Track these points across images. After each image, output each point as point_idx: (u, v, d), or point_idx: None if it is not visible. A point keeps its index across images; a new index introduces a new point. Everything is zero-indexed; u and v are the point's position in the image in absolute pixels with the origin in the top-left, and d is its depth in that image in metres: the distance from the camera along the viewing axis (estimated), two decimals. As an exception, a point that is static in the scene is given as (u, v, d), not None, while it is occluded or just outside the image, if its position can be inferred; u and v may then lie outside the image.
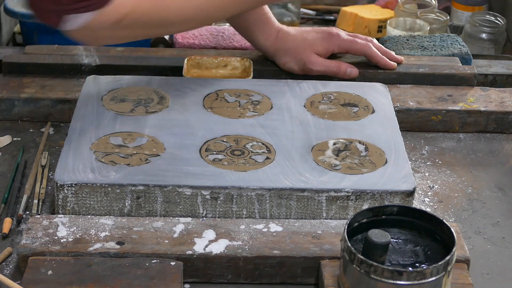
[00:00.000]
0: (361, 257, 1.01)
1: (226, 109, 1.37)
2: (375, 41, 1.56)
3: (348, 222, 1.05)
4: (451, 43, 1.63)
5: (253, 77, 1.51)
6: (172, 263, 1.09)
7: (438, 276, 1.01)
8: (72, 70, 1.52)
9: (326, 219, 1.20)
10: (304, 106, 1.39)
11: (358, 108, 1.39)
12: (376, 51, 1.53)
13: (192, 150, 1.25)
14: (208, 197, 1.18)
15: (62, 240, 1.12)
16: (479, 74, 1.58)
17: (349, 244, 1.03)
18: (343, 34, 1.53)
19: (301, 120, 1.35)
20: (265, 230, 1.15)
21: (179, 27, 1.40)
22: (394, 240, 1.08)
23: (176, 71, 1.53)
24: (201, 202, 1.19)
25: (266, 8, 1.52)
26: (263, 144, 1.28)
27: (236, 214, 1.20)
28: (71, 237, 1.13)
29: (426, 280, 1.01)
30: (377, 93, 1.44)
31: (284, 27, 1.53)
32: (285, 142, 1.28)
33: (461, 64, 1.57)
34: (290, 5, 2.04)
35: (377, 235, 1.02)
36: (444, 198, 1.30)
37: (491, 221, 1.26)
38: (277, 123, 1.34)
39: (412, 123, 1.47)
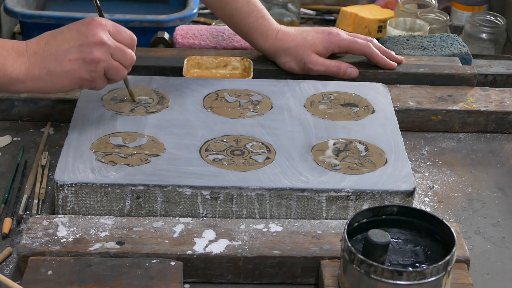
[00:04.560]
0: (361, 257, 1.01)
1: (226, 109, 1.37)
2: (375, 41, 1.56)
3: (348, 222, 1.05)
4: (451, 43, 1.63)
5: (253, 77, 1.51)
6: (172, 263, 1.09)
7: (438, 276, 1.01)
8: (72, 70, 1.52)
9: (326, 219, 1.20)
10: (304, 106, 1.39)
11: (358, 108, 1.39)
12: (376, 50, 1.53)
13: (192, 150, 1.25)
14: (208, 197, 1.18)
15: (62, 240, 1.12)
16: (479, 74, 1.58)
17: (349, 244, 1.03)
18: (343, 33, 1.53)
19: (301, 120, 1.35)
20: (265, 230, 1.15)
21: None
22: (394, 240, 1.08)
23: (176, 71, 1.52)
24: (201, 202, 1.19)
25: (264, 10, 1.52)
26: (263, 144, 1.28)
27: (236, 214, 1.20)
28: (71, 237, 1.13)
29: (426, 280, 1.01)
30: (377, 93, 1.44)
31: (283, 27, 1.53)
32: (285, 142, 1.28)
33: (461, 64, 1.57)
34: (290, 5, 2.04)
35: (377, 235, 1.02)
36: (444, 198, 1.30)
37: (491, 221, 1.26)
38: (277, 123, 1.34)
39: (412, 123, 1.47)
